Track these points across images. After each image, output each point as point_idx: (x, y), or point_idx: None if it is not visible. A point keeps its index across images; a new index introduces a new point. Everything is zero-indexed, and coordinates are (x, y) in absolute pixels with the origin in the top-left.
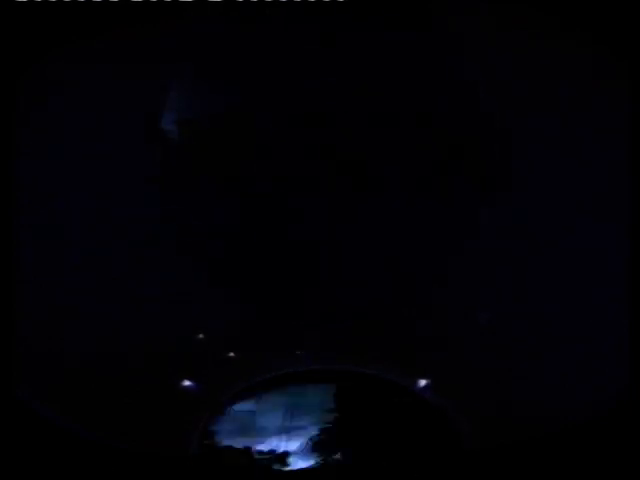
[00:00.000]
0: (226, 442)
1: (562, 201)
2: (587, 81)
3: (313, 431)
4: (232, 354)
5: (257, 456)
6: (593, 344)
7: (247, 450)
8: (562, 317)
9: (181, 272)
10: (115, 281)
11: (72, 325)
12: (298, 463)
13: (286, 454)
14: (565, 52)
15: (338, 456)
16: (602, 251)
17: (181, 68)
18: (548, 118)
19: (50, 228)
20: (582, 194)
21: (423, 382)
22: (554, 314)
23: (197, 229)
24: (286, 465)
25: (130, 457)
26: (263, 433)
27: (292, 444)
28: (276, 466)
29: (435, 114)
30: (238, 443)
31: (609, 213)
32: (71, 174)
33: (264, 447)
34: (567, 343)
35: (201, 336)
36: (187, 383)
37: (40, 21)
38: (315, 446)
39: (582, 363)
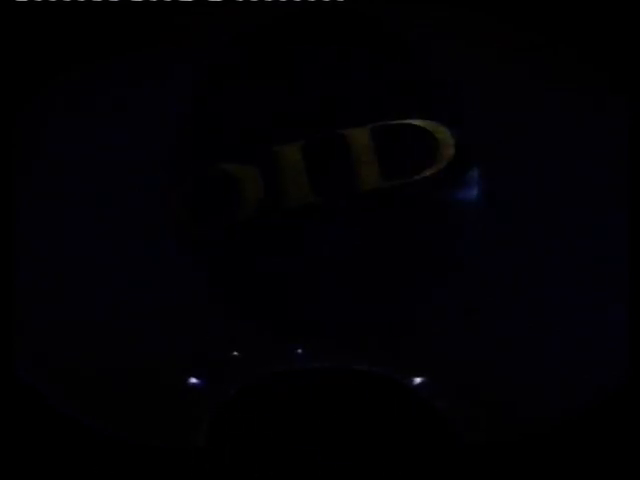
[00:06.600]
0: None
1: (561, 201)
2: (587, 81)
3: (312, 428)
4: (234, 353)
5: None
6: (593, 344)
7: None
8: (562, 316)
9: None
10: (115, 281)
11: (72, 325)
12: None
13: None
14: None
15: (337, 454)
16: (602, 251)
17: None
18: (548, 120)
19: (50, 228)
20: (582, 194)
21: (419, 380)
22: (554, 313)
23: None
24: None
25: (132, 449)
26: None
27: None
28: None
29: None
30: (239, 441)
31: (609, 213)
32: (72, 178)
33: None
34: (567, 342)
35: (205, 336)
36: (193, 381)
37: (47, 24)
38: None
39: (582, 362)
